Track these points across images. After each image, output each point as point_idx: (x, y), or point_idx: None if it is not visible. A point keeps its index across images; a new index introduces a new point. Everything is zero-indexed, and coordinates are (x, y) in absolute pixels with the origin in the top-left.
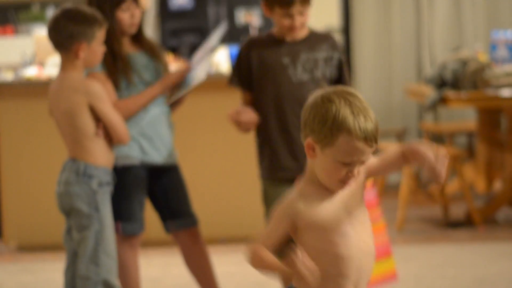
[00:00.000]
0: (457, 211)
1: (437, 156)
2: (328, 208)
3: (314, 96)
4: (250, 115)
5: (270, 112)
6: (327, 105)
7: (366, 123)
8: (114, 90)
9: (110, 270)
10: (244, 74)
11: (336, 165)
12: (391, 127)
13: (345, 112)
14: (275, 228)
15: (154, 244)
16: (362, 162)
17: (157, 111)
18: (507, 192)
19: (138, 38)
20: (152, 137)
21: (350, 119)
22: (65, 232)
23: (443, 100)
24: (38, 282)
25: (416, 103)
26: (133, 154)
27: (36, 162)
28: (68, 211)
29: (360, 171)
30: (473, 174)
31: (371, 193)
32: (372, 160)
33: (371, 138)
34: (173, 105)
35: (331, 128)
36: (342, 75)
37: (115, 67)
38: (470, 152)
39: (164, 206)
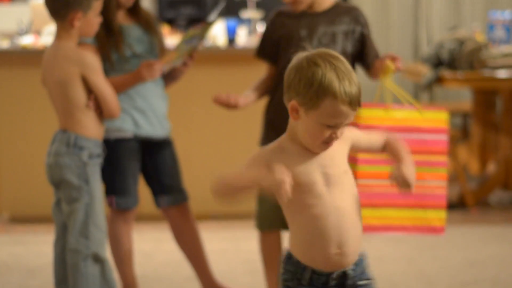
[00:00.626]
0: (450, 192)
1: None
2: (304, 169)
3: (298, 58)
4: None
5: (280, 86)
6: (313, 68)
7: (350, 87)
8: (101, 64)
9: (100, 243)
10: (268, 46)
11: (320, 127)
12: None
13: (331, 76)
14: (247, 169)
15: (147, 218)
16: (346, 124)
17: (150, 83)
18: (500, 174)
19: (134, 10)
20: (145, 110)
21: (336, 83)
22: (54, 204)
23: (439, 80)
24: (29, 253)
25: (412, 82)
26: (126, 127)
27: (30, 132)
28: (58, 183)
29: (343, 132)
30: (467, 156)
31: (443, 138)
32: (361, 137)
33: (355, 102)
34: (169, 80)
35: (316, 91)
36: (365, 49)
37: (107, 39)
38: (465, 133)
39: (156, 180)
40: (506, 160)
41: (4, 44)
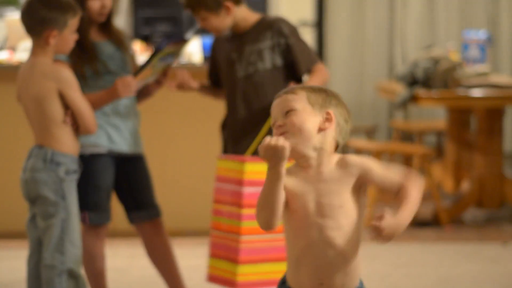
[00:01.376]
0: (425, 210)
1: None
2: (301, 194)
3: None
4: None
5: (226, 107)
6: None
7: None
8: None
9: (75, 259)
10: (213, 71)
11: None
12: (362, 124)
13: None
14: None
15: (120, 234)
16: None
17: (124, 99)
18: (474, 192)
19: (106, 26)
20: (119, 126)
21: None
22: (28, 220)
23: (413, 98)
24: (2, 268)
25: (386, 100)
26: (101, 142)
27: (2, 147)
28: (34, 199)
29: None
30: (441, 174)
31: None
32: (375, 169)
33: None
34: (142, 97)
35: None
36: (294, 59)
37: (81, 55)
38: (439, 151)
39: (128, 196)
40: (480, 178)
41: None
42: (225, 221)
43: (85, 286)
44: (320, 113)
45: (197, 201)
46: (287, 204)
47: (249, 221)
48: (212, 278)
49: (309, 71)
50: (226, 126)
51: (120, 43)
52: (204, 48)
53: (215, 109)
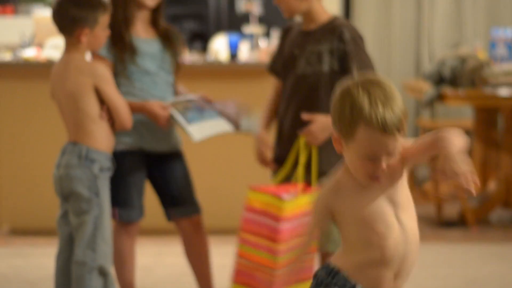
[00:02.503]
0: (451, 210)
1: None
2: (369, 199)
3: (337, 89)
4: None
5: (281, 102)
6: (345, 96)
7: (385, 112)
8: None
9: (106, 256)
10: (277, 62)
11: (360, 160)
12: None
13: (361, 102)
14: (317, 221)
15: (147, 232)
16: (389, 154)
17: (158, 96)
18: (501, 192)
19: (155, 23)
20: (151, 125)
21: (366, 108)
22: (60, 216)
23: (440, 97)
24: (29, 266)
25: (413, 98)
26: (131, 140)
27: (31, 144)
28: (67, 195)
29: (392, 163)
30: None
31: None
32: (408, 145)
33: (391, 129)
34: None
35: (349, 120)
36: (348, 67)
37: (121, 52)
38: (466, 151)
39: (165, 193)
40: (507, 179)
41: (7, 56)
42: (255, 252)
43: (113, 284)
44: None
45: (226, 199)
46: (361, 222)
47: (284, 256)
48: None
49: None
50: (277, 120)
51: (167, 41)
52: (231, 46)
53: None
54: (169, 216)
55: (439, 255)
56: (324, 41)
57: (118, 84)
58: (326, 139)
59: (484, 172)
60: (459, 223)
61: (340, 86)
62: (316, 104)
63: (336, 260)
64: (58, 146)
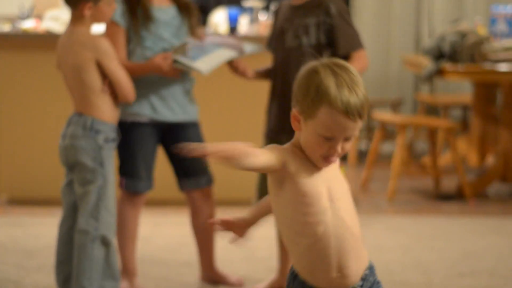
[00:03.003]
0: (449, 184)
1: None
2: (311, 179)
3: (304, 67)
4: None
5: (271, 76)
6: (312, 75)
7: (350, 96)
8: (125, 44)
9: (109, 226)
10: (272, 38)
11: (318, 139)
12: (387, 96)
13: (328, 83)
14: (262, 152)
15: (146, 203)
16: (346, 139)
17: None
18: (499, 167)
19: None
20: (165, 96)
21: (332, 90)
22: (64, 185)
23: (440, 72)
24: (27, 235)
25: (413, 73)
26: (143, 111)
27: (29, 114)
28: (72, 165)
29: (345, 149)
30: (466, 148)
31: None
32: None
33: (353, 113)
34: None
35: (313, 98)
36: (335, 40)
37: (135, 19)
38: (464, 125)
39: (177, 163)
40: (505, 153)
41: (6, 27)
42: None
43: (115, 254)
44: None
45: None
46: (300, 199)
47: None
48: None
49: (348, 55)
50: (269, 92)
51: (183, 10)
52: (230, 19)
53: (242, 82)
54: (181, 187)
55: (436, 228)
56: (310, 15)
57: (131, 51)
58: None
59: (483, 146)
60: (457, 196)
61: (308, 65)
62: None
63: (293, 262)
64: (56, 116)
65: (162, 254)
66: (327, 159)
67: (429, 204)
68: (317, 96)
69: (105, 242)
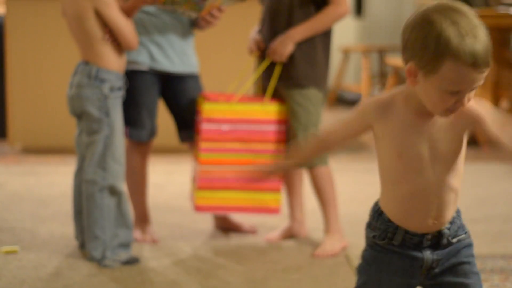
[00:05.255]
0: None
1: None
2: (411, 139)
3: (414, 14)
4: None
5: (263, 25)
6: (427, 26)
7: (474, 45)
8: None
9: (117, 175)
10: None
11: (441, 94)
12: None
13: (448, 34)
14: (350, 121)
15: (159, 151)
16: (473, 89)
17: (167, 19)
18: None
19: None
20: (162, 44)
21: (454, 42)
22: (77, 135)
23: None
24: (41, 184)
25: None
26: (141, 59)
27: (42, 63)
28: (79, 114)
29: (471, 98)
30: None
31: (271, 128)
32: (487, 120)
33: (480, 64)
34: (201, 24)
35: (433, 52)
36: None
37: None
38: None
39: (177, 115)
40: None
41: None
42: (200, 155)
43: (127, 203)
44: None
45: None
46: (397, 156)
47: (207, 153)
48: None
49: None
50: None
51: None
52: None
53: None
54: (181, 138)
55: None
56: None
57: (138, 20)
58: (291, 52)
59: (496, 91)
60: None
61: (418, 12)
62: (291, 23)
63: (381, 201)
64: (68, 65)
65: (176, 201)
66: (451, 111)
67: None
68: (437, 50)
69: (115, 192)
